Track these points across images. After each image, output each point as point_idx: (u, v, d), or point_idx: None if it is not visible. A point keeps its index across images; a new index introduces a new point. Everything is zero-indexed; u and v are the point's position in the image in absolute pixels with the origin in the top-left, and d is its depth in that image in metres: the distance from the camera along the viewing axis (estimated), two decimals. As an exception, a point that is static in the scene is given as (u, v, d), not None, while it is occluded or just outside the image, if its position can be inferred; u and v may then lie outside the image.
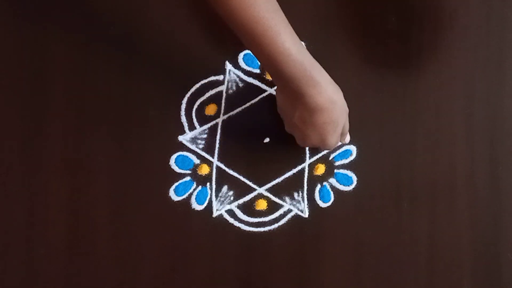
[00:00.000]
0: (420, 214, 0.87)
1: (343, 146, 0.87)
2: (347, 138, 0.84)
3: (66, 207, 0.84)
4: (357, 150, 0.87)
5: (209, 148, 0.86)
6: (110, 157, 0.85)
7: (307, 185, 0.86)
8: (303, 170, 0.86)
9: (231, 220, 0.85)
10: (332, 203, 0.86)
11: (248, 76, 0.87)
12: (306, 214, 0.86)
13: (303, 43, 0.87)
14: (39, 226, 0.84)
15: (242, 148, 0.86)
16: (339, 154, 0.87)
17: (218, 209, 0.85)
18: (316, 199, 0.86)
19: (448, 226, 0.87)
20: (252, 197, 0.86)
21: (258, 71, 0.87)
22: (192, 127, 0.86)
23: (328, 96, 0.72)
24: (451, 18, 0.88)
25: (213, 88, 0.86)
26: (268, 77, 0.87)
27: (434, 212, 0.87)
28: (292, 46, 0.69)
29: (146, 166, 0.85)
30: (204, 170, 0.86)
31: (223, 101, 0.86)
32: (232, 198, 0.85)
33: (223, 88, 0.87)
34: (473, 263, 0.87)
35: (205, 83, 0.86)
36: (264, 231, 0.85)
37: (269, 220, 0.86)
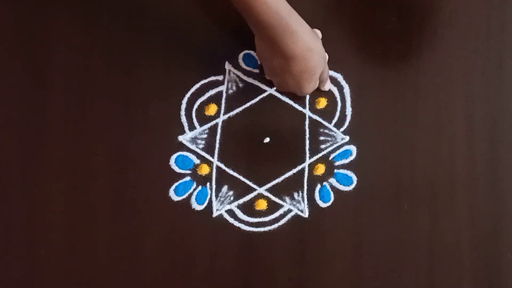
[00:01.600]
0: (420, 214, 0.87)
1: (343, 146, 0.87)
2: (327, 85, 0.85)
3: (66, 207, 0.84)
4: (357, 150, 0.87)
5: (209, 148, 0.86)
6: (110, 157, 0.85)
7: (307, 185, 0.86)
8: (303, 170, 0.86)
9: (231, 220, 0.85)
10: (332, 203, 0.86)
11: (248, 76, 0.87)
12: (306, 214, 0.86)
13: None
14: (39, 226, 0.84)
15: (242, 148, 0.86)
16: (339, 154, 0.87)
17: (218, 209, 0.85)
18: (316, 199, 0.86)
19: (448, 226, 0.87)
20: (252, 197, 0.86)
21: (258, 71, 0.87)
22: (192, 127, 0.86)
23: (305, 45, 0.73)
24: (451, 18, 0.88)
25: (213, 88, 0.86)
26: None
27: (434, 212, 0.87)
28: None
29: (146, 166, 0.85)
30: (204, 170, 0.86)
31: (223, 101, 0.86)
32: (232, 198, 0.85)
33: (223, 88, 0.87)
34: (473, 263, 0.87)
35: (205, 83, 0.86)
36: (264, 231, 0.85)
37: (269, 220, 0.86)
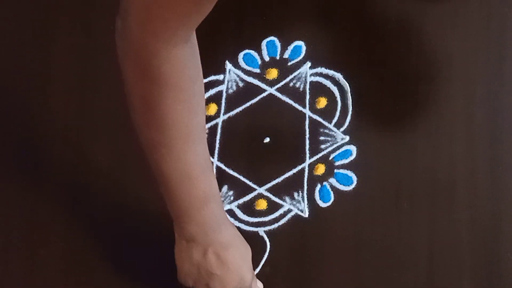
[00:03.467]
0: (420, 214, 0.86)
1: (343, 146, 0.87)
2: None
3: (66, 207, 0.84)
4: (357, 150, 0.87)
5: (209, 148, 0.85)
6: (110, 157, 0.85)
7: (307, 185, 0.86)
8: (303, 170, 0.86)
9: (231, 220, 0.85)
10: (332, 203, 0.86)
11: (248, 75, 0.87)
12: (306, 214, 0.86)
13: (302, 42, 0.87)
14: (39, 226, 0.84)
15: (242, 148, 0.86)
16: (339, 154, 0.87)
17: (218, 209, 0.85)
18: (316, 199, 0.86)
19: (448, 226, 0.87)
20: (252, 197, 0.86)
21: (258, 70, 0.87)
22: (192, 127, 0.86)
23: (235, 232, 0.73)
24: (451, 18, 0.88)
25: (213, 88, 0.86)
26: (268, 77, 0.87)
27: (434, 212, 0.87)
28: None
29: (146, 166, 0.85)
30: (204, 170, 0.86)
31: (223, 101, 0.86)
32: (232, 198, 0.85)
33: (223, 87, 0.87)
34: (473, 263, 0.87)
35: (205, 83, 0.86)
36: (264, 231, 0.85)
37: (269, 220, 0.86)
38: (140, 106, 0.63)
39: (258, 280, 0.80)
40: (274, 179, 0.86)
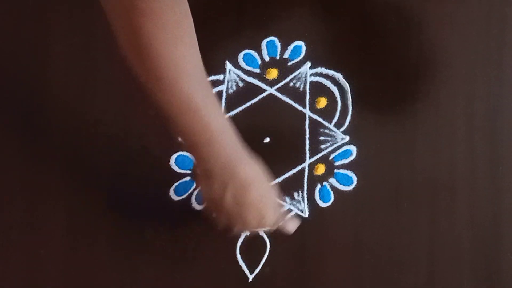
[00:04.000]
0: (420, 214, 0.87)
1: (343, 146, 0.87)
2: (291, 225, 0.79)
3: (66, 207, 0.84)
4: (357, 150, 0.87)
5: (209, 148, 0.86)
6: (110, 157, 0.85)
7: (307, 185, 0.86)
8: (303, 170, 0.86)
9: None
10: (332, 203, 0.86)
11: (248, 75, 0.87)
12: (306, 214, 0.86)
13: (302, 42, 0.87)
14: (39, 226, 0.84)
15: (242, 148, 0.86)
16: (339, 154, 0.87)
17: (218, 209, 0.85)
18: (316, 199, 0.86)
19: (448, 226, 0.87)
20: (252, 197, 0.86)
21: (258, 70, 0.87)
22: (192, 127, 0.86)
23: (256, 169, 0.71)
24: (451, 18, 0.88)
25: (213, 88, 0.86)
26: (268, 77, 0.87)
27: (434, 212, 0.87)
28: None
29: (146, 166, 0.85)
30: (204, 170, 0.86)
31: (223, 101, 0.86)
32: (232, 198, 0.85)
33: (223, 87, 0.86)
34: (473, 263, 0.87)
35: (205, 83, 0.86)
36: (264, 231, 0.85)
37: (269, 220, 0.86)
38: (124, 37, 0.62)
39: (292, 219, 0.79)
40: (274, 179, 0.86)
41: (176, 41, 0.63)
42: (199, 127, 0.66)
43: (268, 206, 0.72)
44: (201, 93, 0.66)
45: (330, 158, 0.87)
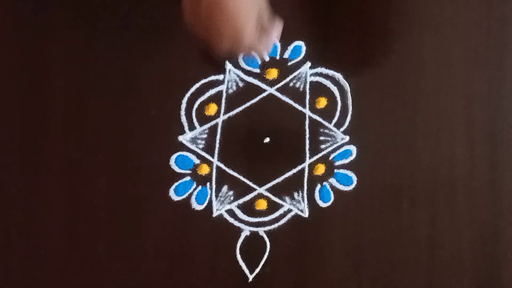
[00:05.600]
0: (420, 214, 0.87)
1: (343, 146, 0.87)
2: (273, 36, 0.73)
3: (66, 207, 0.84)
4: (357, 150, 0.87)
5: (209, 148, 0.86)
6: (110, 157, 0.85)
7: (307, 185, 0.86)
8: (303, 170, 0.86)
9: (231, 220, 0.85)
10: (332, 203, 0.86)
11: (248, 75, 0.87)
12: (306, 214, 0.86)
13: (302, 42, 0.87)
14: (39, 226, 0.84)
15: (242, 148, 0.86)
16: (339, 154, 0.87)
17: (218, 209, 0.85)
18: (316, 199, 0.86)
19: (448, 226, 0.87)
20: (252, 197, 0.86)
21: (258, 70, 0.87)
22: (192, 127, 0.86)
23: None
24: (451, 18, 0.88)
25: (213, 88, 0.86)
26: (268, 77, 0.87)
27: (434, 212, 0.87)
28: None
29: (146, 166, 0.85)
30: (204, 170, 0.86)
31: (223, 101, 0.86)
32: (232, 198, 0.85)
33: (223, 87, 0.87)
34: (473, 263, 0.87)
35: (205, 83, 0.86)
36: (264, 231, 0.85)
37: (269, 220, 0.86)
38: None
39: (274, 30, 0.73)
40: (274, 179, 0.86)
41: None
42: None
43: (246, 22, 0.66)
44: None
45: (330, 158, 0.87)
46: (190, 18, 0.69)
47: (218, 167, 0.86)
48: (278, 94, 0.87)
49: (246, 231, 0.85)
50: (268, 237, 0.85)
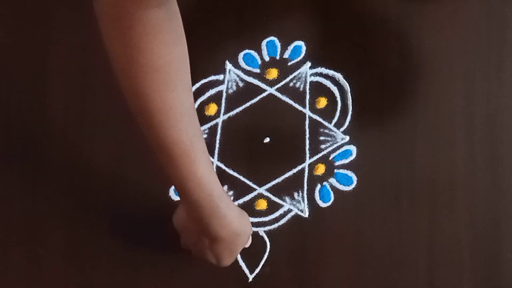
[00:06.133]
0: (420, 214, 0.87)
1: (343, 146, 0.87)
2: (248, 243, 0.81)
3: (66, 207, 0.84)
4: (357, 150, 0.87)
5: (209, 148, 0.85)
6: (110, 157, 0.85)
7: (307, 185, 0.86)
8: (303, 170, 0.86)
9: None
10: (332, 203, 0.86)
11: (248, 75, 0.87)
12: (306, 214, 0.86)
13: (302, 42, 0.87)
14: (39, 227, 0.84)
15: (242, 148, 0.86)
16: (339, 154, 0.87)
17: (218, 209, 0.85)
18: (316, 199, 0.86)
19: (448, 226, 0.87)
20: (252, 197, 0.86)
21: (258, 70, 0.87)
22: (192, 127, 0.86)
23: (233, 229, 0.73)
24: (451, 17, 0.88)
25: (213, 88, 0.86)
26: (268, 77, 0.87)
27: (434, 212, 0.87)
28: (204, 176, 0.67)
29: (146, 166, 0.85)
30: (204, 170, 0.86)
31: (223, 101, 0.86)
32: (232, 198, 0.85)
33: (223, 87, 0.87)
34: (473, 263, 0.87)
35: (205, 83, 0.86)
36: (264, 231, 0.85)
37: (269, 220, 0.86)
38: (117, 70, 0.61)
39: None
40: (274, 179, 0.86)
41: (169, 85, 0.61)
42: (176, 174, 0.66)
43: (227, 256, 0.76)
44: (187, 140, 0.65)
45: (330, 158, 0.87)
46: (179, 230, 0.77)
47: (218, 167, 0.86)
48: (278, 94, 0.87)
49: None
50: (268, 237, 0.85)
